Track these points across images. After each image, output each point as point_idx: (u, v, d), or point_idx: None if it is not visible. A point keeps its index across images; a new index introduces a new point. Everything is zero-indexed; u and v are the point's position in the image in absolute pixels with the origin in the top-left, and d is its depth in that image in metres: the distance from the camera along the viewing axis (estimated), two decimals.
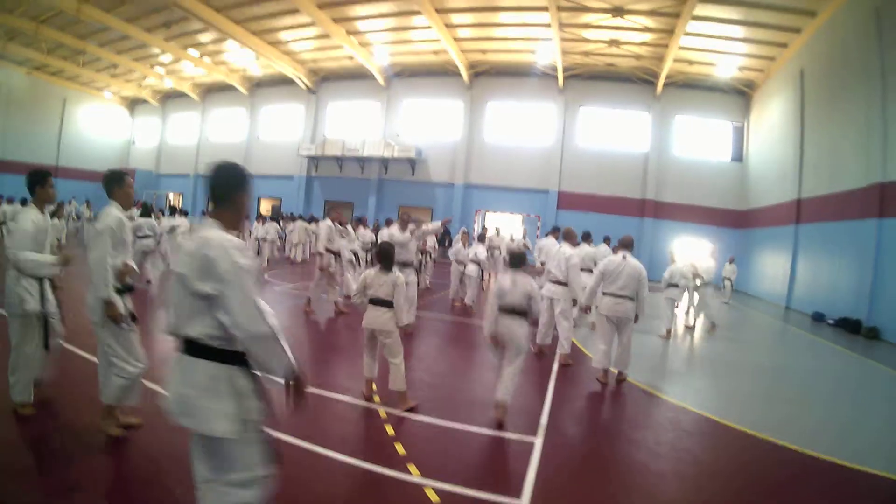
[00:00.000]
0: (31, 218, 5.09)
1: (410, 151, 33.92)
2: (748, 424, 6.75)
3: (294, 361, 2.77)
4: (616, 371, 8.41)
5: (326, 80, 37.59)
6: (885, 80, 16.75)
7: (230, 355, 2.73)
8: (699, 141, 31.42)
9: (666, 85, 30.10)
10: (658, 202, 30.98)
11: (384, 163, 35.51)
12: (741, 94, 29.98)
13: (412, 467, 4.78)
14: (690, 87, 30.34)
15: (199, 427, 2.69)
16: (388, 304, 6.29)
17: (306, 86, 37.23)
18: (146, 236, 12.74)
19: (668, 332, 12.76)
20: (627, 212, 30.70)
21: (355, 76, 35.87)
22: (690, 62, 28.18)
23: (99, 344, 4.82)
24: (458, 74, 32.72)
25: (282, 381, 2.81)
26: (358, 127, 36.70)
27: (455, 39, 29.26)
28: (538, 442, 5.67)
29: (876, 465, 5.74)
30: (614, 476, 5.22)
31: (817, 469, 5.69)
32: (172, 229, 14.94)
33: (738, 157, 30.64)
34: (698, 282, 14.42)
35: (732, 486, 5.23)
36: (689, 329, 14.57)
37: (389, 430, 5.63)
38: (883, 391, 10.01)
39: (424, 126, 35.38)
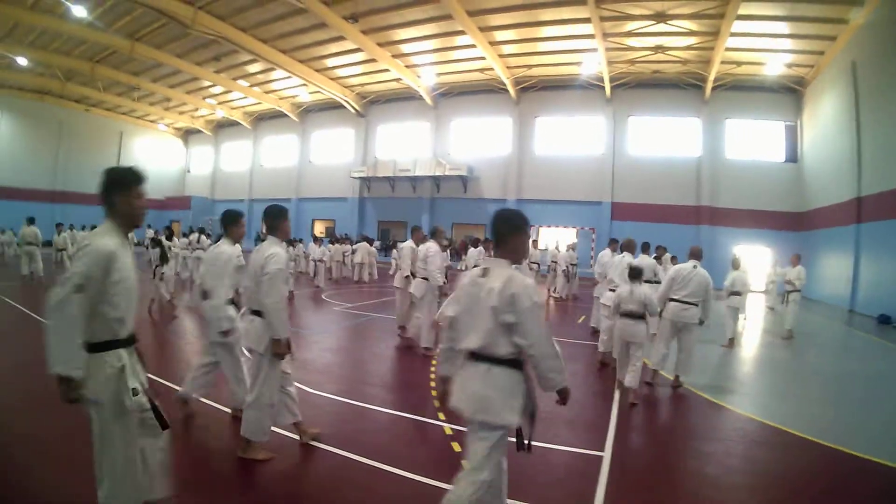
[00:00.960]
0: (231, 252, 5.95)
1: (462, 169, 34.21)
2: (819, 434, 6.60)
3: (563, 378, 3.47)
4: (673, 377, 8.51)
5: (375, 102, 38.25)
6: None
7: (521, 364, 3.45)
8: (752, 143, 30.81)
9: (714, 88, 29.67)
10: (713, 208, 30.47)
11: (436, 181, 35.90)
12: (792, 93, 29.32)
13: None
14: (739, 88, 29.88)
15: (496, 420, 3.38)
16: None
17: (355, 109, 37.90)
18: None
19: (731, 340, 12.59)
20: (683, 219, 30.23)
21: (403, 98, 36.45)
22: (738, 63, 27.78)
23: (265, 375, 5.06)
24: (505, 90, 32.90)
25: (553, 390, 3.50)
26: (408, 147, 37.13)
27: (500, 56, 29.54)
28: (606, 456, 5.64)
29: None
30: (685, 491, 5.16)
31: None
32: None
33: (793, 157, 29.93)
34: (789, 288, 14.73)
35: (809, 499, 5.12)
36: (787, 338, 14.12)
37: (456, 447, 5.62)
38: None
39: (474, 143, 35.67)
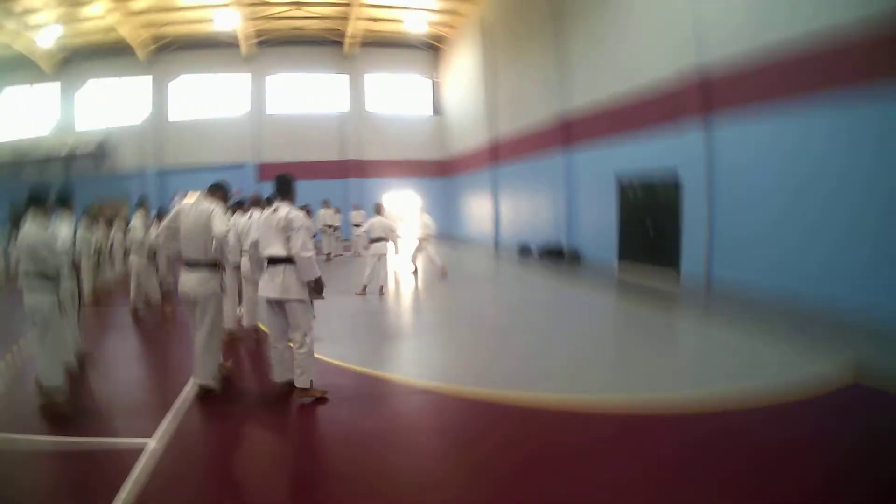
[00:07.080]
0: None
1: (91, 146, 29.83)
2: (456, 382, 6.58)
3: (317, 274, 5.54)
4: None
5: None
6: (555, 21, 18.24)
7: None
8: (399, 98, 32.28)
9: (356, 44, 30.26)
10: (361, 161, 31.27)
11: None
12: (434, 50, 31.22)
13: None
14: (382, 45, 30.82)
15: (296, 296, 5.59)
16: None
17: None
18: None
19: (364, 288, 12.62)
20: (331, 175, 30.33)
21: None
22: (376, 20, 28.41)
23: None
24: (133, 54, 29.38)
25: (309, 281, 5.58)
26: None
27: (130, 14, 26.29)
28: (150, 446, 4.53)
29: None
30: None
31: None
32: None
33: (438, 109, 32.03)
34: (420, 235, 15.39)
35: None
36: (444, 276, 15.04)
37: None
38: (580, 312, 10.71)
39: (113, 111, 31.23)
